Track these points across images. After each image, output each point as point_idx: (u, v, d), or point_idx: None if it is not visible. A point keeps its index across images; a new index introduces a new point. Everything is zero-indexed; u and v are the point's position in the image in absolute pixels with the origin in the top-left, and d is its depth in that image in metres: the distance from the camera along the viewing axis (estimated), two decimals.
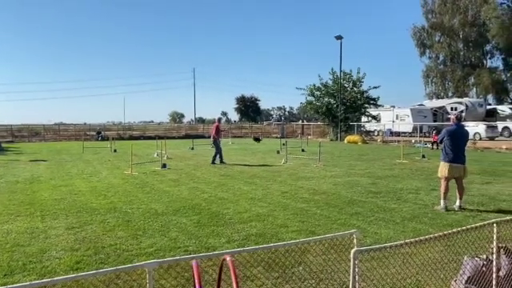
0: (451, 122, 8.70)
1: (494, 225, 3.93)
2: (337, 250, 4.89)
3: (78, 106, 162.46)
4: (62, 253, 5.50)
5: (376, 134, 40.01)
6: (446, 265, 4.50)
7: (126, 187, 11.06)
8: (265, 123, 70.92)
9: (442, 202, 8.17)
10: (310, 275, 4.59)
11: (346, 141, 34.04)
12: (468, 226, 4.04)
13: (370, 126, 42.33)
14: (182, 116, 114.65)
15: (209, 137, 19.62)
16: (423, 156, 18.29)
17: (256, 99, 75.16)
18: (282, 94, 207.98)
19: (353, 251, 2.88)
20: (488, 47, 60.66)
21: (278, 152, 21.82)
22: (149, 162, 16.86)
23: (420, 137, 30.69)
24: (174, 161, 18.18)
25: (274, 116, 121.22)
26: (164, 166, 15.27)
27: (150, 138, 40.44)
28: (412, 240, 3.54)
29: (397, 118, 42.58)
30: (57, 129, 48.70)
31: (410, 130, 38.64)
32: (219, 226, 6.85)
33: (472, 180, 11.80)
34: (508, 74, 59.27)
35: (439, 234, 3.75)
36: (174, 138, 42.43)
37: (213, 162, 16.50)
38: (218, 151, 16.79)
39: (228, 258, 2.21)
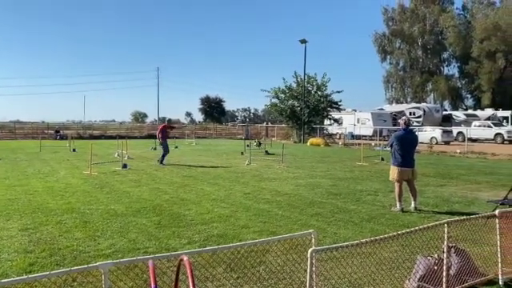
0: (400, 127, 9.03)
1: (445, 225, 4.12)
2: (296, 250, 4.97)
3: (35, 103, 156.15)
4: (14, 255, 5.29)
5: (338, 136, 40.78)
6: (401, 264, 4.65)
7: (85, 187, 10.77)
8: (229, 124, 70.93)
9: (397, 203, 8.45)
10: (269, 275, 4.63)
11: (308, 143, 34.52)
12: (421, 227, 4.22)
13: (333, 128, 43.15)
14: (145, 116, 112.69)
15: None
16: (382, 159, 18.81)
17: (221, 100, 74.97)
18: (248, 96, 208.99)
19: (310, 250, 2.94)
20: (445, 55, 63.43)
21: (242, 153, 21.87)
22: (109, 162, 16.48)
23: (380, 140, 31.54)
24: (136, 161, 17.86)
25: (239, 117, 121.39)
26: (125, 166, 14.97)
27: (111, 137, 39.52)
28: (368, 240, 3.66)
29: (358, 122, 43.59)
30: (12, 127, 46.70)
31: (371, 134, 39.64)
32: (180, 227, 6.79)
33: (427, 182, 12.27)
34: (463, 82, 62.02)
35: (393, 234, 3.90)
36: (136, 137, 41.68)
37: (161, 163, 16.27)
38: (165, 152, 16.56)
39: (185, 259, 2.21)
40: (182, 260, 2.32)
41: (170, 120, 19.02)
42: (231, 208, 8.41)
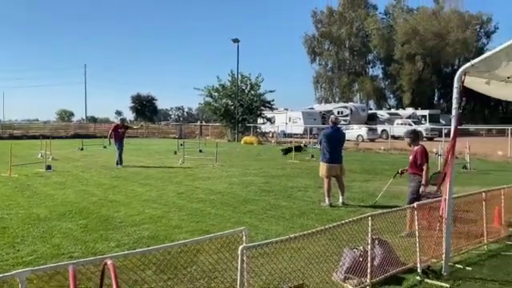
0: (328, 125, 9.41)
1: (369, 218, 4.34)
2: (228, 248, 4.97)
3: None
4: None
5: (271, 135, 41.48)
6: (329, 257, 4.82)
7: (4, 191, 10.02)
8: (162, 123, 69.32)
9: (326, 199, 8.78)
10: (202, 275, 4.61)
11: (242, 142, 34.75)
12: (346, 220, 4.41)
13: (266, 127, 43.79)
14: (72, 114, 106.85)
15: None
16: (312, 156, 19.41)
17: (153, 98, 73.01)
18: (181, 95, 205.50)
19: (240, 248, 2.96)
20: (370, 57, 66.87)
21: (175, 152, 21.50)
22: (31, 164, 15.41)
23: (310, 138, 32.53)
24: (61, 162, 16.89)
25: (173, 116, 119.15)
26: (48, 167, 14.10)
27: (34, 137, 37.00)
28: (296, 235, 3.75)
29: (290, 121, 44.67)
30: None
31: (302, 132, 40.76)
32: (109, 230, 6.54)
33: (354, 178, 12.86)
34: (386, 82, 65.79)
35: (321, 229, 4.04)
36: (61, 137, 39.38)
37: (118, 164, 15.56)
38: (118, 152, 15.81)
39: (108, 262, 2.12)
40: (105, 264, 2.22)
41: (123, 119, 17.62)
42: (163, 208, 8.24)
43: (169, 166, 16.14)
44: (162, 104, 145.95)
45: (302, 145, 25.35)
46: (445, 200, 4.67)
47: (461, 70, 4.47)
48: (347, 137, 34.18)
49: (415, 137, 7.12)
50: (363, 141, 34.09)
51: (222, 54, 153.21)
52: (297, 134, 40.57)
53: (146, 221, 7.22)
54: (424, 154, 6.73)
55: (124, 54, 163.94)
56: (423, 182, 6.61)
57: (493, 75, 4.64)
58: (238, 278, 2.98)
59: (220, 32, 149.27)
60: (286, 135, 41.19)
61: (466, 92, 4.71)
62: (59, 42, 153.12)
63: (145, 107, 71.33)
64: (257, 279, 4.38)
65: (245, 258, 3.26)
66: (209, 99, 41.58)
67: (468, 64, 4.44)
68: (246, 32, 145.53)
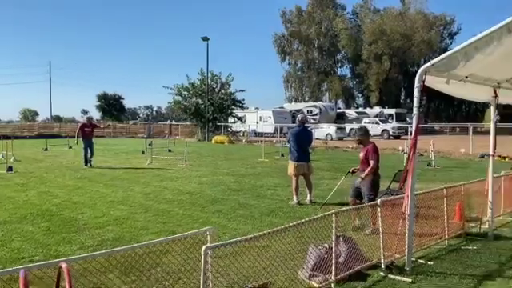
0: (296, 124, 9.49)
1: (333, 215, 4.38)
2: (196, 248, 4.91)
3: None
4: None
5: (242, 134, 41.47)
6: (295, 255, 4.85)
7: None
8: (130, 123, 68.07)
9: (294, 197, 8.84)
10: (167, 276, 4.54)
11: (213, 141, 34.57)
12: (311, 218, 4.44)
13: (237, 126, 43.73)
14: (36, 114, 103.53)
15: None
16: (282, 155, 19.52)
17: (120, 97, 71.51)
18: (151, 93, 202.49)
19: (203, 248, 2.93)
20: (339, 56, 67.78)
21: (143, 152, 21.16)
22: None
23: (280, 137, 32.71)
24: (23, 163, 16.32)
25: (142, 115, 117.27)
26: (10, 168, 13.60)
27: None
28: (261, 233, 3.76)
29: (260, 120, 44.79)
30: None
31: (272, 131, 40.94)
32: (72, 233, 6.36)
33: (322, 176, 13.01)
34: (355, 82, 66.93)
35: (285, 226, 4.05)
36: (25, 137, 38.06)
37: (87, 164, 15.16)
38: (85, 152, 15.35)
39: (63, 266, 2.05)
40: (60, 267, 2.15)
41: (90, 118, 16.96)
42: (129, 210, 8.09)
43: (136, 166, 15.87)
44: (130, 103, 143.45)
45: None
46: (407, 197, 4.78)
47: (421, 69, 4.57)
48: (316, 135, 34.57)
49: (366, 134, 7.11)
50: (332, 139, 34.55)
51: (192, 53, 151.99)
52: (267, 133, 40.73)
53: (111, 222, 7.07)
54: (376, 151, 6.80)
55: (90, 52, 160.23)
56: (362, 175, 6.73)
57: (451, 75, 4.78)
58: (202, 278, 2.95)
59: (190, 30, 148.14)
60: (256, 134, 41.30)
61: (427, 91, 4.84)
62: (20, 37, 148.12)
63: (111, 106, 69.84)
64: (222, 279, 4.36)
65: (209, 259, 3.23)
66: (178, 98, 41.16)
67: (428, 64, 4.55)
68: (217, 31, 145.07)
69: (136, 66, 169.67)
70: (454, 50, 4.39)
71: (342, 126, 39.71)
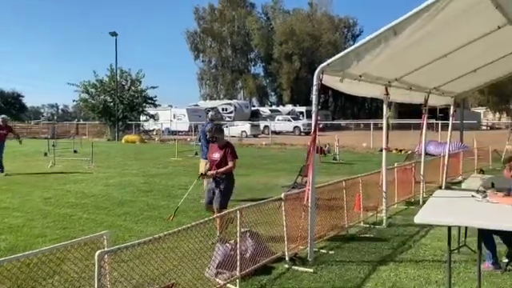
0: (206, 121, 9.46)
1: (237, 212, 4.43)
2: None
3: None
4: None
5: (155, 133, 40.41)
6: (203, 253, 4.83)
7: None
8: (32, 122, 62.95)
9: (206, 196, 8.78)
10: (65, 285, 4.27)
11: (124, 140, 33.22)
12: (213, 216, 4.46)
13: (149, 125, 42.49)
14: None
15: None
16: (196, 153, 19.34)
17: (19, 95, 65.98)
18: (56, 91, 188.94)
19: (97, 254, 2.79)
20: (252, 55, 68.87)
21: (46, 154, 19.67)
22: None
23: (195, 135, 32.43)
24: None
25: (46, 114, 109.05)
26: None
27: None
28: (162, 234, 3.68)
29: (174, 118, 44.01)
30: None
31: (187, 129, 40.47)
32: None
33: (235, 173, 13.10)
34: (268, 80, 68.55)
35: (188, 226, 4.02)
36: None
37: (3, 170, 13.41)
38: None
39: None
40: None
41: (5, 119, 14.36)
42: (26, 216, 7.49)
43: (37, 169, 14.73)
44: (32, 101, 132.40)
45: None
46: (308, 190, 4.98)
47: (319, 68, 4.80)
48: (232, 133, 34.66)
49: (221, 132, 6.36)
50: (247, 136, 35.06)
51: (100, 49, 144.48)
52: (182, 132, 40.16)
53: (5, 231, 6.49)
54: (233, 149, 6.20)
55: None
56: (212, 172, 6.07)
57: (346, 74, 5.08)
58: (96, 285, 2.80)
59: (99, 25, 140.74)
60: (170, 132, 40.50)
61: (325, 89, 5.08)
62: None
63: (10, 105, 64.13)
64: (127, 283, 4.20)
65: (106, 264, 3.08)
66: (85, 95, 38.85)
67: (325, 63, 4.79)
68: (127, 27, 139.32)
69: (38, 61, 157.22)
70: (347, 51, 4.66)
71: (256, 123, 40.47)
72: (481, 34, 5.34)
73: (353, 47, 4.64)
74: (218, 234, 5.38)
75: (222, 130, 6.55)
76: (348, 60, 4.66)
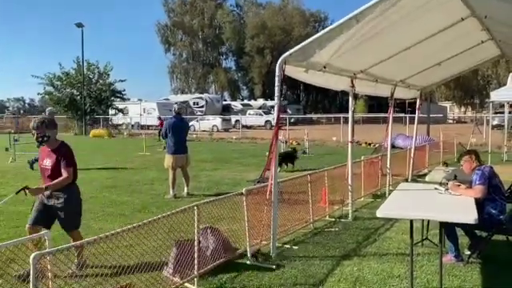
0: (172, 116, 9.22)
1: (195, 208, 4.25)
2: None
3: None
4: None
5: (124, 127, 39.54)
6: (163, 251, 4.62)
7: None
8: None
9: (171, 190, 8.58)
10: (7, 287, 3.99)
11: (91, 135, 32.38)
12: (173, 211, 4.26)
13: (118, 119, 41.54)
14: None
15: None
16: (164, 147, 18.96)
17: None
18: (22, 85, 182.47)
19: (32, 256, 2.55)
20: (223, 49, 68.26)
21: (7, 149, 18.86)
22: None
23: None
24: None
25: (11, 108, 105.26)
26: None
27: None
28: (114, 232, 3.47)
29: (144, 112, 43.19)
30: None
31: (157, 124, 39.79)
32: None
33: (203, 168, 12.91)
34: (239, 74, 68.20)
35: (143, 222, 3.81)
36: None
37: None
38: None
39: None
40: None
41: None
42: None
43: None
44: None
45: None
46: (271, 184, 4.84)
47: (281, 58, 4.64)
48: (202, 127, 34.32)
49: (52, 128, 4.66)
50: (218, 131, 34.76)
51: (67, 41, 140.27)
52: (152, 126, 39.45)
53: None
54: (69, 153, 4.72)
55: None
56: (40, 187, 4.49)
57: (310, 64, 4.94)
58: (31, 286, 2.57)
59: (65, 16, 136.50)
60: (140, 127, 39.74)
61: (286, 81, 4.93)
62: None
63: None
64: (78, 285, 3.96)
65: (49, 265, 2.84)
66: (50, 89, 37.58)
67: (287, 53, 4.63)
68: (95, 18, 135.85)
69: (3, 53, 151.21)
70: (309, 40, 4.53)
71: (227, 117, 40.19)
72: (444, 26, 5.31)
73: (315, 36, 4.51)
74: (75, 261, 4.27)
75: (55, 125, 4.74)
76: (310, 49, 4.53)
